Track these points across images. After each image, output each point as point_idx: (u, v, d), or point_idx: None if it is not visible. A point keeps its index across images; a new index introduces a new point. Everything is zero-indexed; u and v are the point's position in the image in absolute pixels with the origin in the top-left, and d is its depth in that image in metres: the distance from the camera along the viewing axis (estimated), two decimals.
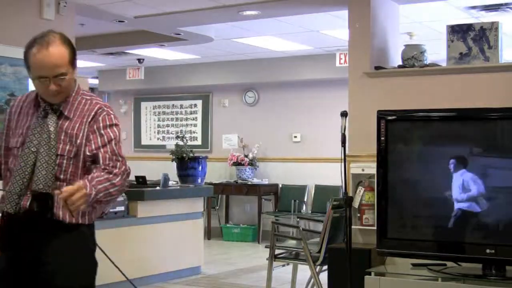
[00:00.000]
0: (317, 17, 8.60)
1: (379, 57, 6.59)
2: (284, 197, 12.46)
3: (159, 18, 8.43)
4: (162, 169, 9.89)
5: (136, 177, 8.95)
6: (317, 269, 6.56)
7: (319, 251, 6.46)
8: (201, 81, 13.41)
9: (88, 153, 3.29)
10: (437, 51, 7.68)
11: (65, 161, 3.27)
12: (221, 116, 13.59)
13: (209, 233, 12.34)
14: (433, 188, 5.41)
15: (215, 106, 13.70)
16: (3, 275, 3.33)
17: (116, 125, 3.38)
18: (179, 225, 8.63)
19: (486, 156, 5.25)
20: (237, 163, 12.70)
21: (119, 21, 8.61)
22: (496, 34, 5.84)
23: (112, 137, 3.33)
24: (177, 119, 14.18)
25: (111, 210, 7.52)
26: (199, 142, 13.67)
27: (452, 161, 5.25)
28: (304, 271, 7.05)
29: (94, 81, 14.62)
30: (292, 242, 7.41)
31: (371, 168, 6.00)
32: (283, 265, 7.28)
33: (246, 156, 12.71)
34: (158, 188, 8.59)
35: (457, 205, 5.23)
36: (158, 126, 14.46)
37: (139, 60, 12.65)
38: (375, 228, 5.66)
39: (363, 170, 6.22)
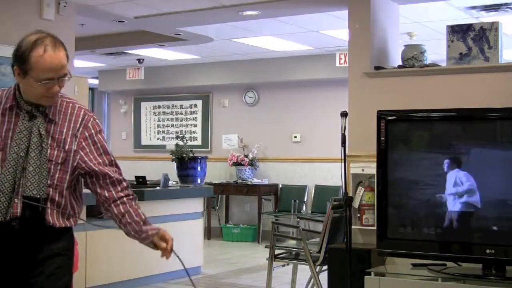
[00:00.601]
0: (317, 17, 8.60)
1: (379, 57, 6.59)
2: (284, 197, 12.46)
3: (159, 18, 8.43)
4: (162, 169, 9.89)
5: (136, 177, 8.95)
6: (317, 269, 6.55)
7: (319, 251, 6.46)
8: (201, 81, 13.41)
9: (84, 166, 3.23)
10: (437, 51, 7.69)
11: (53, 167, 3.16)
12: (221, 116, 13.59)
13: (209, 233, 12.35)
14: (433, 188, 5.41)
15: (215, 106, 13.70)
16: None
17: (102, 130, 3.35)
18: (179, 225, 8.62)
19: (485, 156, 5.25)
20: (237, 163, 12.70)
21: (119, 21, 8.62)
22: (496, 34, 5.84)
23: (105, 144, 3.32)
24: (177, 119, 14.18)
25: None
26: (199, 142, 13.67)
27: (449, 161, 5.25)
28: (304, 271, 7.05)
29: (94, 81, 14.63)
30: (292, 242, 7.41)
31: (371, 168, 6.00)
32: (283, 265, 7.27)
33: (246, 156, 12.71)
34: (158, 188, 8.59)
35: (457, 205, 5.23)
36: (158, 126, 14.46)
37: (139, 60, 12.65)
38: (375, 228, 5.66)
39: (363, 170, 6.22)
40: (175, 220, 8.57)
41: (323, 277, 6.35)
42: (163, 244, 3.37)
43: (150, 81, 13.63)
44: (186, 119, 14.04)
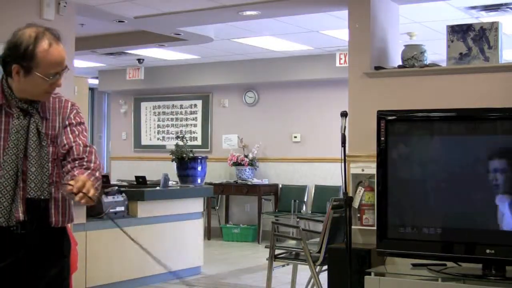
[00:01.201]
0: (317, 17, 8.60)
1: (379, 57, 6.59)
2: (284, 197, 12.47)
3: (159, 18, 8.43)
4: (162, 169, 9.90)
5: (136, 177, 8.96)
6: (317, 269, 6.56)
7: (319, 251, 6.46)
8: (201, 81, 13.41)
9: (62, 150, 3.09)
10: (437, 51, 7.69)
11: (50, 164, 3.07)
12: (221, 116, 13.59)
13: (209, 233, 12.35)
14: (432, 188, 5.42)
15: (215, 106, 13.70)
16: None
17: (84, 122, 3.23)
18: (179, 225, 8.63)
19: (484, 156, 5.25)
20: (237, 163, 12.70)
21: (119, 21, 8.61)
22: (496, 34, 5.84)
23: (83, 131, 3.17)
24: (177, 119, 14.18)
25: (111, 210, 7.53)
26: (199, 142, 13.67)
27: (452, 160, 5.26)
28: (304, 271, 7.05)
29: (94, 81, 14.63)
30: (292, 242, 7.41)
31: (371, 168, 6.00)
32: (283, 265, 7.27)
33: (246, 156, 12.71)
34: (158, 188, 8.59)
35: (456, 205, 5.24)
36: (158, 126, 14.45)
37: (139, 60, 12.65)
38: (375, 228, 5.67)
39: (363, 170, 6.22)
40: (175, 220, 8.58)
41: (323, 277, 6.35)
42: (69, 187, 2.89)
43: (150, 81, 13.63)
44: (186, 119, 14.04)
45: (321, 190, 12.07)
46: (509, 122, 5.18)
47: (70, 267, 3.31)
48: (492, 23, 5.91)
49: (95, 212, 7.43)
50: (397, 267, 5.63)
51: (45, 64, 3.00)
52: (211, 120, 13.67)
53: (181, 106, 14.10)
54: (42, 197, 3.03)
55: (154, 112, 14.49)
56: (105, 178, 8.21)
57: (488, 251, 5.05)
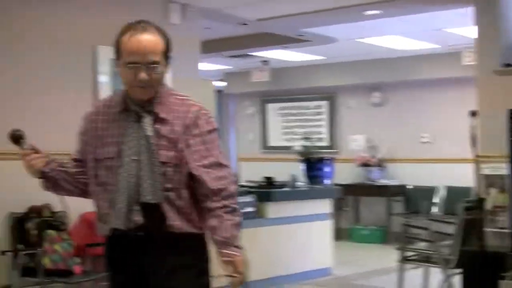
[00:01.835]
0: (441, 15, 8.41)
1: (509, 54, 6.36)
2: (413, 198, 12.25)
3: (282, 20, 8.45)
4: (290, 170, 9.92)
5: (264, 178, 9.01)
6: (449, 272, 6.41)
7: (451, 254, 6.31)
8: (326, 82, 13.36)
9: (194, 172, 3.00)
10: None
11: (171, 169, 2.98)
12: (348, 116, 13.50)
13: (337, 235, 12.28)
14: None
15: (341, 107, 13.62)
16: None
17: (216, 129, 3.10)
18: (307, 226, 8.63)
19: None
20: (365, 164, 12.59)
21: (243, 24, 8.69)
22: None
23: (215, 145, 3.06)
24: (303, 120, 14.19)
25: (240, 211, 7.58)
26: (326, 143, 13.62)
27: None
28: (436, 274, 6.91)
29: (221, 84, 14.82)
30: (422, 245, 7.28)
31: (503, 169, 5.81)
32: (414, 268, 7.15)
33: (374, 156, 12.58)
34: (286, 189, 8.61)
35: None
36: (285, 127, 14.50)
37: (264, 62, 12.72)
38: (509, 230, 5.49)
39: (495, 171, 6.04)
40: (303, 221, 8.58)
41: (456, 281, 6.20)
42: (227, 271, 2.94)
43: (275, 82, 13.66)
44: (312, 120, 14.02)
45: (451, 191, 11.79)
46: None
47: (198, 284, 3.14)
48: None
49: None
50: None
51: (125, 52, 3.00)
52: (338, 121, 13.61)
53: (307, 107, 14.10)
54: (154, 202, 2.97)
55: (281, 113, 14.55)
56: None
57: None
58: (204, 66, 11.15)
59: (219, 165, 3.03)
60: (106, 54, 6.84)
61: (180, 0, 7.44)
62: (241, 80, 14.34)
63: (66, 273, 5.97)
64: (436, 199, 12.03)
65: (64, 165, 3.23)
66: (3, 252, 5.80)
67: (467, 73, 10.15)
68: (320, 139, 13.50)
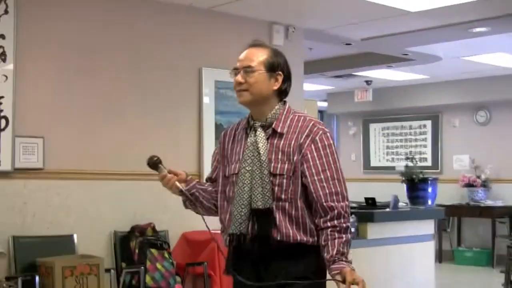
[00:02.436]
0: None
1: None
2: None
3: (386, 39, 8.42)
4: (392, 191, 9.81)
5: (366, 198, 8.94)
6: None
7: None
8: (430, 101, 13.21)
9: (310, 186, 3.14)
10: None
11: (285, 181, 3.15)
12: (451, 136, 13.30)
13: (440, 256, 12.08)
14: None
15: (445, 126, 13.44)
16: None
17: (332, 145, 3.22)
18: (409, 247, 8.50)
19: None
20: (469, 185, 12.37)
21: (346, 44, 8.70)
22: None
23: (332, 160, 3.19)
24: (406, 140, 14.06)
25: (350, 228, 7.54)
26: (429, 163, 13.46)
27: None
28: None
29: (323, 104, 14.84)
30: None
31: None
32: None
33: (478, 177, 12.35)
34: (388, 209, 8.54)
35: None
36: (387, 147, 14.40)
37: (367, 82, 12.68)
38: None
39: None
40: (405, 242, 8.46)
41: None
42: (337, 282, 3.01)
43: (378, 102, 13.59)
44: (416, 140, 13.88)
45: None
46: None
47: None
48: None
49: None
50: None
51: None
52: (441, 140, 13.42)
53: (410, 127, 13.97)
54: (263, 207, 3.13)
55: (383, 133, 14.46)
56: None
57: None
58: (307, 86, 11.20)
59: (335, 179, 3.16)
60: (210, 76, 6.98)
61: (284, 21, 7.51)
62: (343, 100, 14.33)
63: None
64: None
65: (203, 185, 3.45)
66: (107, 270, 5.94)
67: None
68: (423, 159, 13.35)
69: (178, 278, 6.23)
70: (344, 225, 3.11)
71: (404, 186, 9.43)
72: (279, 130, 3.21)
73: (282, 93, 3.30)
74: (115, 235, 6.32)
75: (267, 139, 3.21)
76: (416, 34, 8.13)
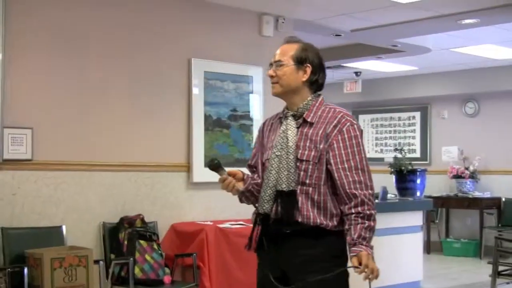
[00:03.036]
0: None
1: None
2: (507, 211, 12.01)
3: (376, 30, 8.42)
4: (381, 182, 9.82)
5: None
6: None
7: None
8: (419, 92, 13.22)
9: (335, 173, 3.34)
10: None
11: (310, 167, 3.36)
12: (440, 128, 13.33)
13: (428, 247, 12.12)
14: None
15: (434, 117, 13.46)
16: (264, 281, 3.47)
17: (358, 136, 3.40)
18: (398, 238, 8.54)
19: None
20: (457, 176, 12.41)
21: (336, 35, 8.69)
22: None
23: (358, 151, 3.37)
24: (395, 131, 14.08)
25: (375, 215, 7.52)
26: (417, 154, 13.48)
27: None
28: None
29: None
30: None
31: None
32: (508, 283, 7.01)
33: (467, 168, 12.39)
34: (376, 201, 8.55)
35: None
36: (376, 138, 14.42)
37: (356, 73, 12.68)
38: None
39: None
40: (394, 233, 8.49)
41: None
42: (355, 263, 3.22)
43: (367, 93, 13.59)
44: (405, 131, 13.90)
45: None
46: None
47: (337, 280, 3.35)
48: None
49: None
50: None
51: None
52: (430, 132, 13.45)
53: (399, 118, 13.99)
54: (287, 190, 3.35)
55: (372, 125, 14.48)
56: None
57: None
58: None
59: (359, 169, 3.37)
60: (199, 66, 6.96)
61: (273, 12, 7.50)
62: (332, 91, 14.28)
63: (156, 283, 6.07)
64: None
65: (254, 178, 3.64)
66: (96, 261, 5.92)
67: None
68: (412, 151, 13.38)
69: (167, 270, 6.23)
70: (368, 212, 3.33)
71: (393, 177, 9.45)
72: (309, 119, 3.43)
73: (313, 84, 3.55)
74: (104, 227, 6.31)
75: (298, 127, 3.43)
76: (405, 25, 8.14)
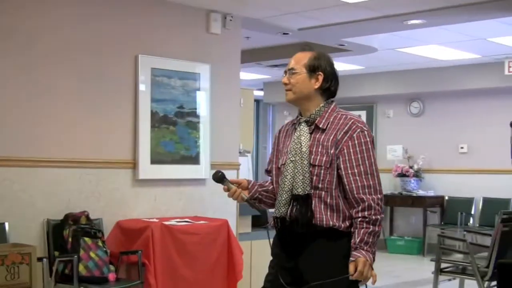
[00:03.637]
0: (484, 24, 8.36)
1: None
2: (450, 210, 12.19)
3: (323, 29, 8.46)
4: None
5: None
6: (485, 285, 6.36)
7: (487, 266, 6.27)
8: (365, 91, 13.33)
9: (344, 178, 3.47)
10: None
11: (322, 171, 3.49)
12: (386, 126, 13.47)
13: None
14: None
15: (380, 116, 13.59)
16: (273, 279, 3.64)
17: (369, 142, 3.52)
18: None
19: None
20: (402, 174, 12.55)
21: (283, 34, 8.72)
22: None
23: (367, 157, 3.49)
24: None
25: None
26: None
27: None
28: (472, 286, 6.86)
29: (260, 93, 14.85)
30: (458, 256, 7.24)
31: None
32: (449, 280, 7.11)
33: (411, 167, 12.54)
34: None
35: None
36: None
37: None
38: None
39: None
40: None
41: None
42: (351, 269, 3.38)
43: None
44: None
45: (489, 203, 11.71)
46: None
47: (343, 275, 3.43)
48: None
49: (260, 222, 7.53)
50: None
51: None
52: (376, 131, 13.57)
53: None
54: (303, 193, 3.49)
55: None
56: None
57: None
58: (244, 75, 11.20)
59: (368, 174, 3.49)
60: (146, 63, 6.92)
61: (221, 10, 7.49)
62: (280, 89, 14.13)
63: (100, 281, 6.01)
64: (473, 211, 11.95)
65: (264, 185, 3.84)
66: (40, 259, 5.85)
67: (508, 83, 10.09)
68: None
69: (112, 267, 6.18)
70: (374, 217, 3.43)
71: None
72: (321, 125, 3.56)
73: (325, 92, 3.66)
74: (48, 224, 6.23)
75: (311, 133, 3.58)
76: (352, 25, 8.19)
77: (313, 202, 3.50)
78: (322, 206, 3.50)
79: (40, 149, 6.28)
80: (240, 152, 7.75)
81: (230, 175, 7.50)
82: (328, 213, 3.49)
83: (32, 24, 6.26)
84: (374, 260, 3.44)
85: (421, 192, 12.41)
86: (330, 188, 3.50)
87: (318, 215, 3.49)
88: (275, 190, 3.74)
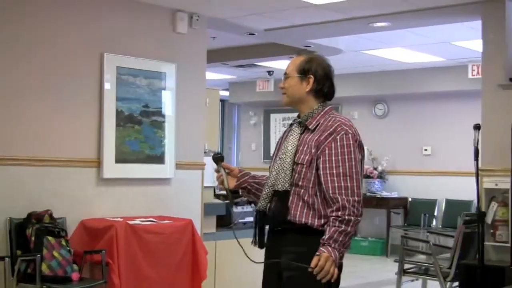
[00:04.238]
0: (449, 28, 8.43)
1: None
2: (413, 211, 12.28)
3: (289, 30, 8.48)
4: None
5: None
6: (447, 286, 6.42)
7: (450, 267, 6.32)
8: None
9: (322, 178, 3.54)
10: None
11: (304, 170, 3.59)
12: None
13: None
14: None
15: None
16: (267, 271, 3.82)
17: (351, 145, 3.57)
18: None
19: None
20: (366, 176, 12.59)
21: (249, 34, 8.72)
22: None
23: (348, 159, 3.53)
24: None
25: (240, 220, 7.55)
26: None
27: None
28: (434, 287, 6.92)
29: (225, 93, 14.85)
30: (421, 257, 7.29)
31: (505, 182, 5.84)
32: (412, 280, 7.16)
33: (375, 168, 12.60)
34: None
35: None
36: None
37: (269, 72, 12.75)
38: (509, 245, 5.50)
39: (496, 184, 6.06)
40: None
41: None
42: (314, 263, 3.42)
43: (279, 93, 13.60)
44: None
45: (452, 204, 11.82)
46: None
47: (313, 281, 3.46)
48: None
49: (225, 222, 7.52)
50: None
51: None
52: None
53: None
54: (282, 190, 3.61)
55: (284, 124, 14.58)
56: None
57: None
58: (209, 75, 11.17)
59: (347, 176, 3.52)
60: (112, 61, 6.88)
61: (188, 9, 7.47)
62: (245, 90, 14.37)
63: (64, 280, 5.95)
64: (436, 212, 12.04)
65: (256, 178, 3.93)
66: (1, 258, 5.79)
67: (472, 87, 10.18)
68: None
69: (75, 266, 6.13)
70: (347, 217, 3.47)
71: None
72: (310, 126, 3.67)
73: (318, 94, 3.79)
74: (11, 222, 6.16)
75: (302, 133, 3.69)
76: (318, 26, 8.22)
77: (292, 199, 3.59)
78: (300, 203, 3.58)
79: (2, 147, 6.21)
80: (205, 152, 7.73)
81: (194, 175, 7.55)
82: (304, 210, 3.56)
83: None
84: (341, 259, 3.52)
85: (385, 194, 12.49)
86: (308, 186, 3.57)
87: (293, 211, 3.58)
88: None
